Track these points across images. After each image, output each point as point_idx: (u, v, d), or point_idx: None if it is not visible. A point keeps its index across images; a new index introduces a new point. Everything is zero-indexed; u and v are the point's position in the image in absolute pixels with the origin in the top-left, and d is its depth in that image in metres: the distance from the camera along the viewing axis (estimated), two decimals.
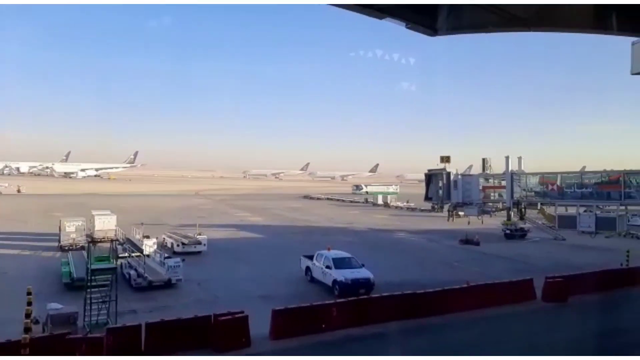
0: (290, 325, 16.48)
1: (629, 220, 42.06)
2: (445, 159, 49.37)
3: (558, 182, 42.81)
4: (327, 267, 23.43)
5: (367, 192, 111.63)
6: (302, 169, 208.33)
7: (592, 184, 40.61)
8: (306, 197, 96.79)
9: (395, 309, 18.32)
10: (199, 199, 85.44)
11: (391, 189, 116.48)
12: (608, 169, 41.35)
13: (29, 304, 16.71)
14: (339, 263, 23.42)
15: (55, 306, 16.13)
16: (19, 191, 74.14)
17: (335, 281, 22.46)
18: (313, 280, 24.60)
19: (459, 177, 49.54)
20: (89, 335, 14.41)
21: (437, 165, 50.57)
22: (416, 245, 40.01)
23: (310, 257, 25.27)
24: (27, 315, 15.78)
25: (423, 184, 59.85)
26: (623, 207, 38.88)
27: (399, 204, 78.29)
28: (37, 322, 15.98)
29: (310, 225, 50.26)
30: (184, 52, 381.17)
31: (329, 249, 25.00)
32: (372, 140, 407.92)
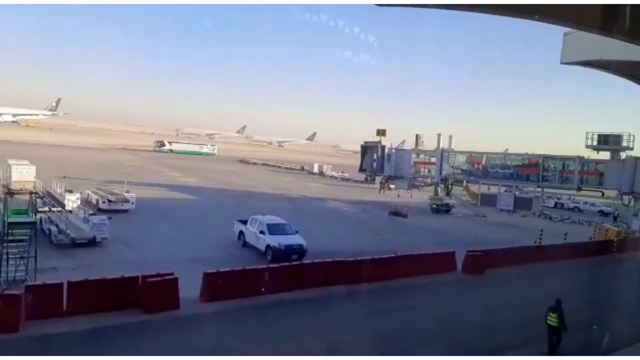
0: (222, 288, 16.47)
1: (543, 202, 45.56)
2: (381, 132, 50.20)
3: (483, 162, 45.14)
4: (261, 232, 23.45)
5: (171, 151, 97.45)
6: (238, 132, 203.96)
7: (513, 165, 43.24)
8: (242, 161, 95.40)
9: (327, 275, 18.83)
10: (126, 155, 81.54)
11: (206, 149, 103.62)
12: (530, 152, 44.24)
13: None
14: (273, 229, 23.50)
15: None
16: None
17: (268, 246, 22.57)
18: (246, 244, 24.57)
19: (393, 151, 50.82)
20: (6, 292, 13.52)
21: (373, 137, 51.50)
22: (348, 214, 40.99)
23: (244, 222, 25.15)
24: None
25: (358, 155, 60.86)
26: (540, 189, 41.92)
27: (334, 173, 79.37)
28: None
29: (245, 190, 49.80)
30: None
31: (263, 215, 24.97)
32: (310, 109, 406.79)
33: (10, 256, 15.97)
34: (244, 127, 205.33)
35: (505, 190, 44.24)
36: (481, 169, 45.07)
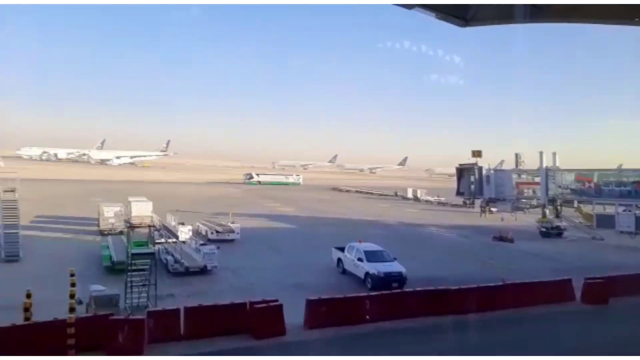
0: (324, 315, 16.59)
1: None
2: (477, 154, 48.37)
3: (595, 180, 41.48)
4: (359, 259, 23.49)
5: (259, 182, 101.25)
6: (330, 161, 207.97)
7: (630, 182, 39.18)
8: (335, 189, 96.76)
9: (429, 305, 18.21)
10: (229, 188, 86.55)
11: (291, 179, 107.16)
12: None
13: (73, 285, 17.40)
14: (371, 256, 23.44)
15: (97, 288, 16.72)
16: None
17: (367, 274, 22.50)
18: (344, 272, 24.72)
19: (492, 171, 48.56)
20: (131, 317, 14.85)
21: (468, 159, 49.78)
22: (448, 240, 39.57)
23: (342, 249, 25.38)
24: (72, 296, 16.43)
25: (453, 179, 59.00)
26: None
27: (429, 198, 77.43)
28: (80, 302, 16.61)
29: (340, 217, 50.30)
30: (207, 44, 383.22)
31: (360, 242, 25.04)
32: (400, 133, 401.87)
33: (133, 284, 17.56)
34: (335, 156, 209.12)
35: (624, 210, 40.04)
36: (593, 187, 41.41)
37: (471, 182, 49.53)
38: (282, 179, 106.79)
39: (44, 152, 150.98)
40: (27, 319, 14.59)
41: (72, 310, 15.21)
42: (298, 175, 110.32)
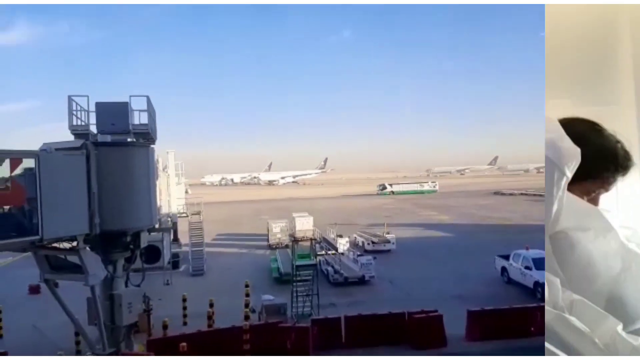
0: (488, 327, 15.73)
1: None
2: None
3: None
4: (527, 267, 21.73)
5: (392, 192, 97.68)
6: (489, 164, 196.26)
7: None
8: (497, 193, 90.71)
9: None
10: (384, 199, 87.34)
11: (427, 186, 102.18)
12: None
13: (247, 295, 19.37)
14: (541, 263, 21.38)
15: (268, 298, 18.35)
16: None
17: (537, 283, 20.62)
18: (510, 281, 23.06)
19: None
20: (297, 324, 15.93)
21: None
22: None
23: (506, 257, 23.79)
24: (246, 305, 18.32)
25: None
26: None
27: None
28: (253, 311, 18.43)
29: (504, 224, 46.93)
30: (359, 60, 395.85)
31: (527, 249, 23.10)
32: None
33: (298, 294, 18.83)
34: (495, 158, 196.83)
35: None
36: None
37: None
38: (416, 187, 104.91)
39: (223, 178, 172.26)
40: (210, 325, 16.73)
41: (247, 318, 17.03)
42: (434, 182, 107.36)
